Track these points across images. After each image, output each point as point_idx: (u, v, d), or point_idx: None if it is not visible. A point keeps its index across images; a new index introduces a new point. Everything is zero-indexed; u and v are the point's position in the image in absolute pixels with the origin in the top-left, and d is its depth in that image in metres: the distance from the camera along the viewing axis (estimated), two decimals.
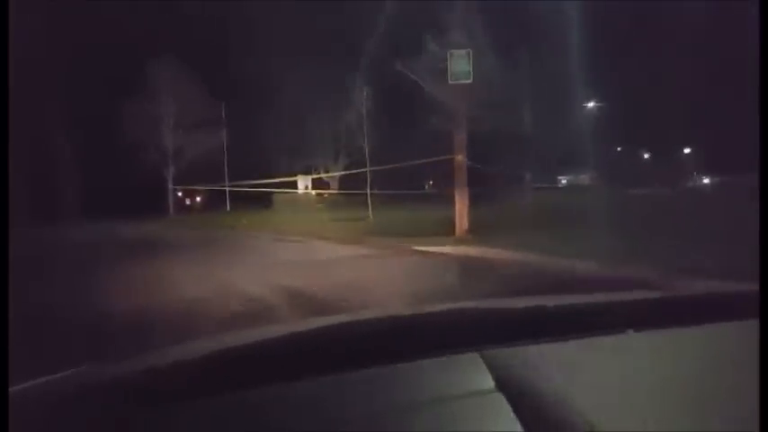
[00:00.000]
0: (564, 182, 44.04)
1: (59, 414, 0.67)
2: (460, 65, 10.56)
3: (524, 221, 12.71)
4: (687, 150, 38.77)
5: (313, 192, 28.34)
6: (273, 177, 23.90)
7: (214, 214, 24.30)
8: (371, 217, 16.68)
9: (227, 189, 26.07)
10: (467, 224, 10.85)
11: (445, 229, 11.25)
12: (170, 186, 26.45)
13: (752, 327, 0.82)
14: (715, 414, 0.66)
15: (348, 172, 15.57)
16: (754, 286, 0.95)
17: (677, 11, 23.21)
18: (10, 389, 0.71)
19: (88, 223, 17.30)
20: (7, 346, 0.89)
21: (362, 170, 16.59)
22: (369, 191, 16.88)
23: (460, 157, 10.82)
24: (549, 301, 1.00)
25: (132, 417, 0.64)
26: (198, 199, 32.79)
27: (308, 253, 10.32)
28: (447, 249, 9.36)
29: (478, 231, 10.84)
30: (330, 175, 26.62)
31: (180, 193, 30.00)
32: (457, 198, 10.97)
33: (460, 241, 10.25)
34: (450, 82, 10.72)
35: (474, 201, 20.18)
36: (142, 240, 13.30)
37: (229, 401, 0.66)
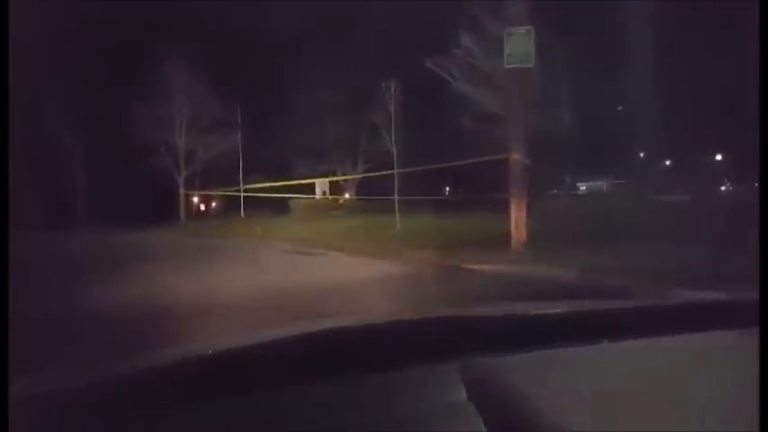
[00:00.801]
0: (583, 188, 41.53)
1: (60, 414, 0.65)
2: (521, 45, 8.44)
3: (579, 232, 10.45)
4: (719, 157, 35.96)
5: (331, 197, 26.28)
6: (289, 181, 21.77)
7: (227, 221, 22.29)
8: (399, 225, 14.53)
9: (241, 194, 24.01)
10: (525, 236, 8.67)
11: (494, 242, 9.11)
12: (181, 191, 24.39)
13: (742, 335, 0.81)
14: (702, 422, 0.64)
15: (374, 174, 13.43)
16: (744, 294, 0.93)
17: (716, 12, 21.16)
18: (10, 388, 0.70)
19: (84, 230, 15.32)
20: (7, 346, 0.87)
21: (390, 172, 14.41)
22: (396, 196, 14.71)
23: (518, 156, 8.67)
24: (527, 309, 0.98)
25: (130, 418, 0.63)
26: (211, 204, 30.84)
27: (335, 271, 8.21)
28: (510, 269, 7.22)
29: (535, 244, 8.67)
30: (350, 177, 24.50)
31: (192, 198, 28.07)
32: (513, 205, 8.83)
33: (521, 258, 8.08)
34: (506, 66, 8.58)
35: (504, 207, 17.89)
36: (136, 252, 11.27)
37: (206, 409, 0.64)
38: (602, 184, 38.01)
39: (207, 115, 23.08)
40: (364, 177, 25.36)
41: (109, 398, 0.68)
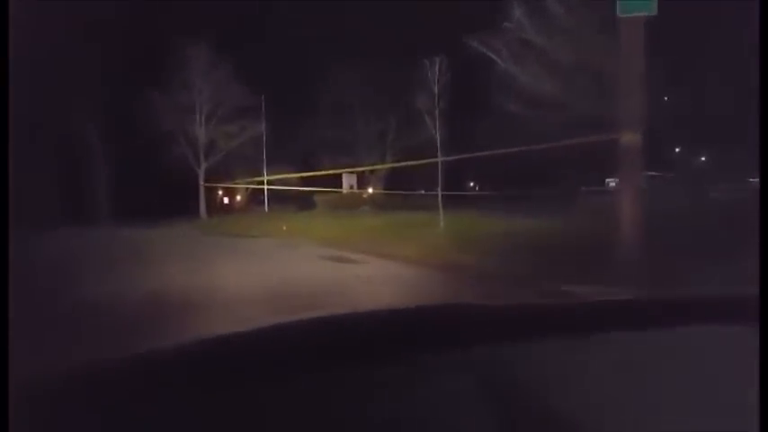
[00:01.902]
0: (612, 185, 38.18)
1: (62, 409, 0.61)
2: None
3: (672, 237, 7.80)
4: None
5: (360, 191, 23.84)
6: (315, 172, 19.27)
7: (250, 216, 20.05)
8: (442, 224, 12.05)
9: (265, 188, 21.71)
10: (639, 241, 6.15)
11: (580, 249, 6.64)
12: (201, 183, 22.01)
13: (742, 333, 0.80)
14: (706, 415, 0.63)
15: (413, 163, 11.02)
16: (743, 290, 0.92)
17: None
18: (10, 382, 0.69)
19: (97, 225, 13.27)
20: (7, 346, 0.84)
21: (433, 160, 11.91)
22: (440, 190, 12.22)
23: (633, 136, 6.15)
24: (535, 301, 1.00)
25: (132, 412, 0.60)
26: (235, 198, 28.65)
27: (388, 292, 5.77)
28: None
29: (646, 251, 6.13)
30: (383, 167, 21.98)
31: (216, 191, 25.87)
32: (624, 199, 6.30)
33: (642, 275, 5.54)
34: (620, 14, 6.08)
35: (550, 206, 15.08)
36: (138, 253, 9.05)
37: (208, 400, 0.61)
38: None
39: (229, 103, 20.74)
40: (392, 170, 22.95)
41: (113, 389, 0.63)
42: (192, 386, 0.62)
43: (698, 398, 0.67)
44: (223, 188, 25.24)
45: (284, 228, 13.46)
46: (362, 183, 25.40)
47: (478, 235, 9.99)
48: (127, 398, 0.60)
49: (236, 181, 22.66)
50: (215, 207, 23.67)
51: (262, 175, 21.99)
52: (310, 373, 0.64)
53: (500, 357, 0.71)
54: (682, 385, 0.69)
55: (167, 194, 19.70)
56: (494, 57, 14.36)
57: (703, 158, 37.58)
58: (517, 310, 0.88)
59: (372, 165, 23.12)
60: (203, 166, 21.86)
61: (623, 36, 6.32)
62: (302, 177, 20.88)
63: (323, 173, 18.74)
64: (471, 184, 36.26)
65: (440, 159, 11.89)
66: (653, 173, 32.22)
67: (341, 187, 23.99)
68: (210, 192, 23.58)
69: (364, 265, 7.29)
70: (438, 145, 12.16)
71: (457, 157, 11.72)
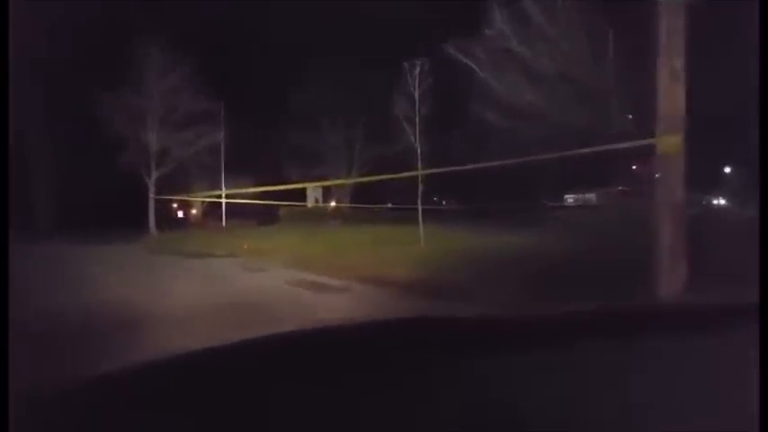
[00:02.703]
0: (570, 201, 38.16)
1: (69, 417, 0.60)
2: None
3: (717, 265, 6.79)
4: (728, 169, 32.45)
5: (325, 204, 22.33)
6: (277, 186, 17.59)
7: (206, 232, 18.09)
8: (423, 241, 10.79)
9: (223, 201, 19.84)
10: (685, 273, 5.07)
11: (605, 278, 5.53)
12: (151, 196, 19.75)
13: (742, 336, 0.80)
14: (702, 422, 0.63)
15: (399, 176, 9.74)
16: (744, 298, 0.90)
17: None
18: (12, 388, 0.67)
19: (27, 240, 11.28)
20: (7, 346, 0.83)
21: (413, 173, 10.63)
22: (420, 204, 10.98)
23: (674, 139, 5.11)
24: (524, 312, 0.97)
25: (128, 419, 0.59)
26: (190, 211, 26.38)
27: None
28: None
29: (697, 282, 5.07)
30: (347, 181, 20.58)
31: (170, 205, 23.59)
32: (663, 214, 5.21)
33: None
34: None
35: (521, 221, 14.16)
36: (61, 276, 7.32)
37: (203, 409, 0.61)
38: (591, 197, 34.84)
39: (184, 108, 18.76)
40: (359, 184, 21.62)
41: (109, 397, 0.63)
42: (171, 400, 0.61)
43: (699, 402, 0.66)
44: (176, 201, 23.03)
45: (245, 246, 11.81)
46: (328, 196, 23.93)
47: (464, 255, 8.79)
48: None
49: (191, 193, 20.63)
50: (167, 221, 21.44)
51: (220, 186, 20.10)
52: (289, 387, 0.64)
53: (492, 371, 0.70)
54: (683, 389, 0.68)
55: (112, 207, 17.55)
56: (473, 65, 13.46)
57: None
58: (509, 324, 0.85)
59: (344, 176, 21.64)
60: (154, 175, 19.64)
61: (662, 24, 5.31)
62: (262, 189, 19.23)
63: (286, 187, 17.12)
64: (435, 198, 35.40)
65: (420, 173, 10.64)
66: (623, 187, 32.00)
67: (305, 200, 22.43)
68: (164, 204, 21.38)
69: (348, 295, 5.85)
70: (419, 155, 10.94)
71: (440, 170, 10.48)
